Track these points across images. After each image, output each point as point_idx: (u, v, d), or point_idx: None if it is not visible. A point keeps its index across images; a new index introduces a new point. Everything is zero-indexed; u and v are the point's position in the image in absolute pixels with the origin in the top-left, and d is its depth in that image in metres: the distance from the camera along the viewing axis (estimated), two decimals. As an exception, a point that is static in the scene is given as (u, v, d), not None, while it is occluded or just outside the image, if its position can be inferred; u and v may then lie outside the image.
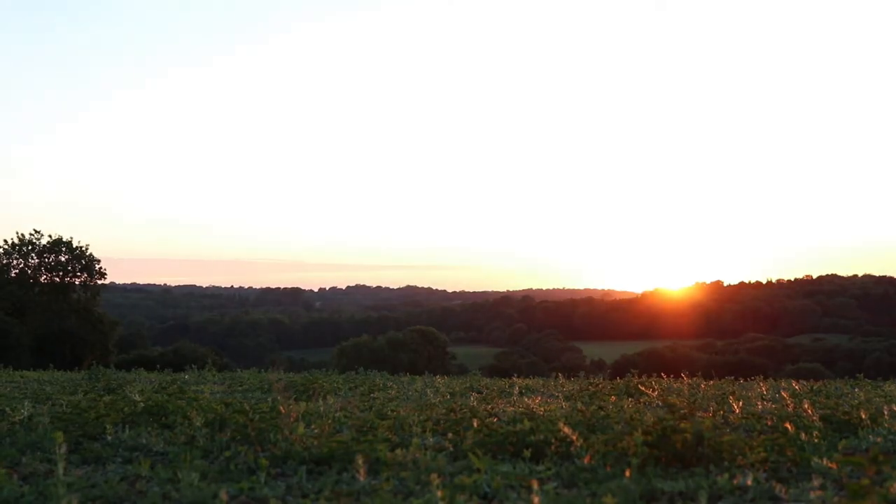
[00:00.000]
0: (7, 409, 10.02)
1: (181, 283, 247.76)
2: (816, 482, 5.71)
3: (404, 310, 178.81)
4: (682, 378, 15.79)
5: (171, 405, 9.19)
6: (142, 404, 9.27)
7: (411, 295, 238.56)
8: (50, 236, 58.46)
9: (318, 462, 6.80)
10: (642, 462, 6.19)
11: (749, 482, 5.79)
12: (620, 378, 15.15)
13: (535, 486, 5.08)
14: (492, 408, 10.38)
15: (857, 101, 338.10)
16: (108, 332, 58.09)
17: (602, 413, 8.49)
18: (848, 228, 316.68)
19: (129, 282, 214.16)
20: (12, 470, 6.51)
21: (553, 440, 7.08)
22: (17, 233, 58.53)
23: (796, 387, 14.49)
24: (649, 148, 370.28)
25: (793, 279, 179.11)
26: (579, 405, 9.92)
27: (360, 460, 6.23)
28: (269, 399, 10.71)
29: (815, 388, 13.80)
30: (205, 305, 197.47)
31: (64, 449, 5.41)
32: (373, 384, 14.92)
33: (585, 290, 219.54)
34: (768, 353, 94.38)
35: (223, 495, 5.28)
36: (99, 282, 59.74)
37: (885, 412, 8.85)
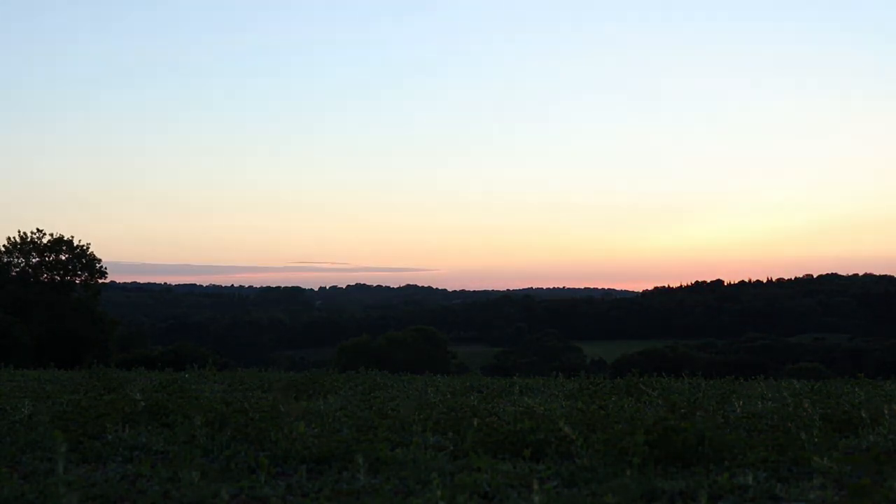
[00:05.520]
0: (7, 407, 10.03)
1: (182, 283, 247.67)
2: (817, 481, 5.71)
3: (404, 309, 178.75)
4: (683, 377, 15.79)
5: (172, 404, 9.18)
6: (142, 403, 9.27)
7: (411, 294, 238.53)
8: (51, 235, 58.49)
9: (318, 461, 6.80)
10: (643, 461, 6.19)
11: (749, 481, 5.79)
12: (621, 377, 15.13)
13: (536, 485, 5.08)
14: (492, 407, 10.38)
15: (857, 102, 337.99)
16: (108, 332, 58.08)
17: (602, 412, 8.49)
18: (848, 227, 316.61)
19: (129, 281, 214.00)
20: (13, 468, 6.51)
21: (553, 439, 7.08)
22: (19, 231, 58.54)
23: (797, 386, 14.49)
24: (648, 147, 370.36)
25: (793, 279, 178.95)
26: (580, 404, 9.91)
27: (360, 459, 6.24)
28: (270, 398, 10.72)
29: (815, 387, 13.79)
30: (205, 305, 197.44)
31: (64, 448, 5.41)
32: (373, 383, 14.92)
33: (585, 289, 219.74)
34: (768, 353, 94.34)
35: (224, 494, 5.28)
36: (100, 281, 59.76)
37: (886, 412, 8.84)
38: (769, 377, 18.85)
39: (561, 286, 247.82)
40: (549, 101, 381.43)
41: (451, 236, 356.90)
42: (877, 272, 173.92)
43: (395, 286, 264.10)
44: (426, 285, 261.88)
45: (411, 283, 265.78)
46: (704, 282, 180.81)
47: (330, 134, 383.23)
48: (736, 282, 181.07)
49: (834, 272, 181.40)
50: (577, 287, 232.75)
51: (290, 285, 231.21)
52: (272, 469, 6.43)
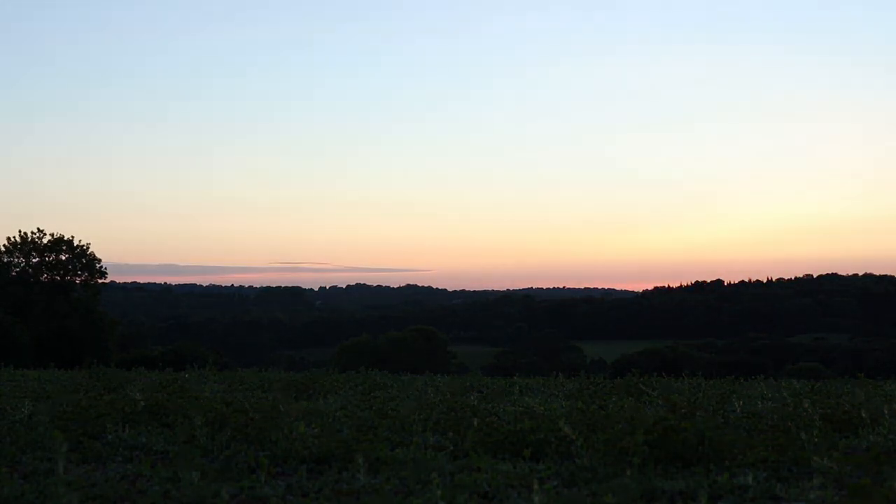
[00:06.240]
0: (7, 407, 10.03)
1: (182, 283, 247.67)
2: (817, 481, 5.71)
3: (404, 309, 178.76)
4: (683, 377, 15.78)
5: (172, 404, 9.19)
6: (142, 403, 9.28)
7: (411, 294, 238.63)
8: (51, 235, 58.54)
9: (318, 461, 6.80)
10: (643, 461, 6.19)
11: (749, 481, 5.79)
12: (621, 377, 15.14)
13: (536, 485, 5.08)
14: (492, 407, 10.38)
15: (857, 102, 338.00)
16: (108, 331, 58.11)
17: (603, 412, 8.49)
18: (848, 227, 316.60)
19: (129, 281, 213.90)
20: (13, 468, 6.51)
21: (553, 439, 7.08)
22: (19, 231, 58.58)
23: (797, 386, 14.49)
24: (648, 147, 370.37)
25: (793, 279, 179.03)
26: (580, 404, 9.92)
27: (360, 459, 6.24)
28: (270, 398, 10.71)
29: (815, 387, 13.79)
30: (205, 305, 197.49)
31: (64, 448, 5.42)
32: (373, 383, 14.91)
33: (585, 289, 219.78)
34: (768, 353, 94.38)
35: (224, 494, 5.28)
36: (100, 281, 59.80)
37: (886, 412, 8.85)
38: (769, 377, 18.84)
39: (561, 286, 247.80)
40: (548, 101, 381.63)
41: (451, 236, 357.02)
42: (877, 272, 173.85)
43: (395, 286, 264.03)
44: (426, 285, 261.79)
45: (411, 283, 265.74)
46: (704, 282, 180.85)
47: (329, 134, 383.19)
48: (736, 282, 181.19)
49: (834, 272, 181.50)
50: (577, 287, 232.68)
51: (290, 285, 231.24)
52: (272, 469, 6.44)
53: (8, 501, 5.41)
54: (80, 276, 58.91)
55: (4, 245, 58.25)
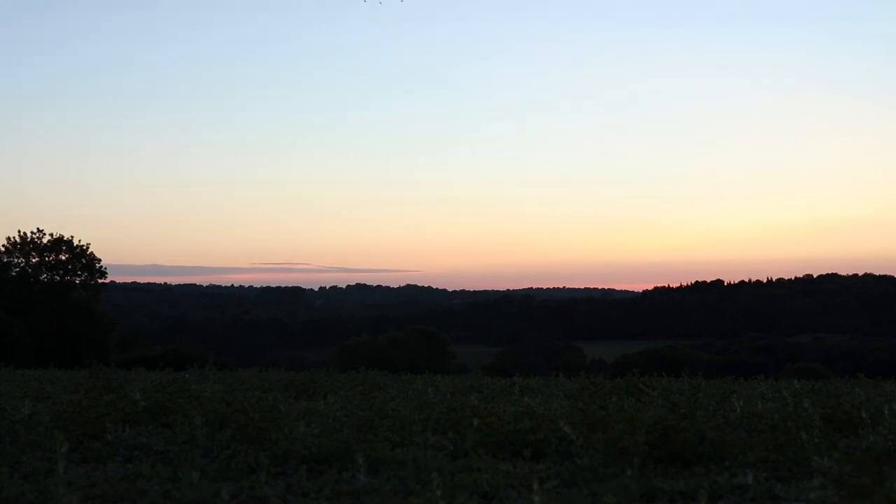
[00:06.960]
0: (7, 407, 10.02)
1: (182, 283, 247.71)
2: (817, 481, 5.71)
3: (404, 309, 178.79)
4: (683, 377, 15.77)
5: (172, 404, 9.18)
6: (142, 403, 9.27)
7: (411, 294, 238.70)
8: (51, 235, 58.57)
9: (318, 461, 6.80)
10: (643, 461, 6.19)
11: (749, 481, 5.79)
12: (621, 377, 15.12)
13: (536, 485, 5.08)
14: (492, 407, 10.37)
15: (858, 102, 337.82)
16: (108, 331, 58.15)
17: (603, 412, 8.48)
18: (848, 227, 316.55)
19: (129, 281, 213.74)
20: (13, 468, 6.51)
21: (553, 439, 7.08)
22: (19, 231, 58.62)
23: (797, 386, 14.49)
24: (647, 147, 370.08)
25: (793, 279, 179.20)
26: (580, 404, 9.91)
27: (360, 459, 6.24)
28: (270, 398, 10.71)
29: (815, 387, 13.79)
30: (205, 305, 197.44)
31: (64, 448, 5.41)
32: (373, 383, 14.90)
33: (585, 289, 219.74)
34: (768, 353, 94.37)
35: (224, 494, 5.28)
36: (100, 281, 59.83)
37: (886, 411, 8.85)
38: (769, 377, 18.82)
39: (561, 286, 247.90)
40: (548, 100, 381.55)
41: (450, 236, 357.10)
42: (877, 272, 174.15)
43: (395, 286, 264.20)
44: (426, 285, 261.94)
45: (411, 283, 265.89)
46: (704, 282, 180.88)
47: (331, 133, 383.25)
48: (736, 282, 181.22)
49: (834, 272, 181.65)
50: (577, 287, 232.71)
51: (290, 285, 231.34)
52: (272, 469, 6.43)
53: (8, 501, 5.41)
54: (79, 276, 58.94)
55: (4, 245, 58.34)
